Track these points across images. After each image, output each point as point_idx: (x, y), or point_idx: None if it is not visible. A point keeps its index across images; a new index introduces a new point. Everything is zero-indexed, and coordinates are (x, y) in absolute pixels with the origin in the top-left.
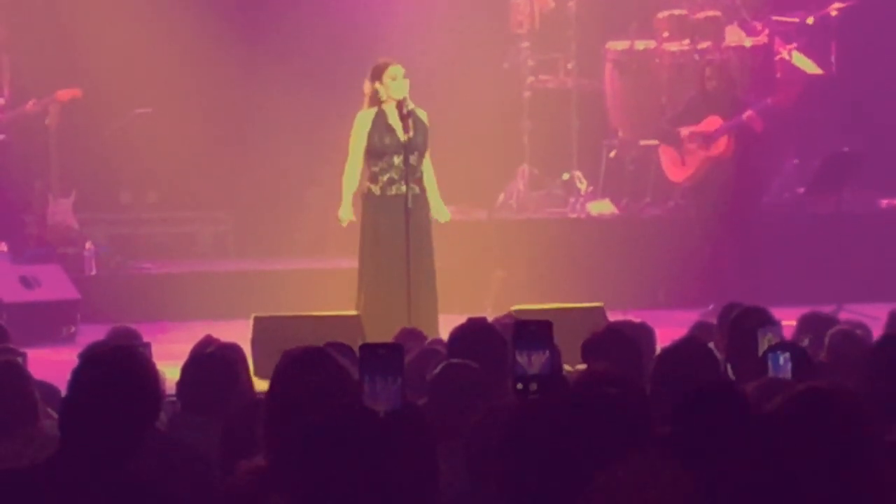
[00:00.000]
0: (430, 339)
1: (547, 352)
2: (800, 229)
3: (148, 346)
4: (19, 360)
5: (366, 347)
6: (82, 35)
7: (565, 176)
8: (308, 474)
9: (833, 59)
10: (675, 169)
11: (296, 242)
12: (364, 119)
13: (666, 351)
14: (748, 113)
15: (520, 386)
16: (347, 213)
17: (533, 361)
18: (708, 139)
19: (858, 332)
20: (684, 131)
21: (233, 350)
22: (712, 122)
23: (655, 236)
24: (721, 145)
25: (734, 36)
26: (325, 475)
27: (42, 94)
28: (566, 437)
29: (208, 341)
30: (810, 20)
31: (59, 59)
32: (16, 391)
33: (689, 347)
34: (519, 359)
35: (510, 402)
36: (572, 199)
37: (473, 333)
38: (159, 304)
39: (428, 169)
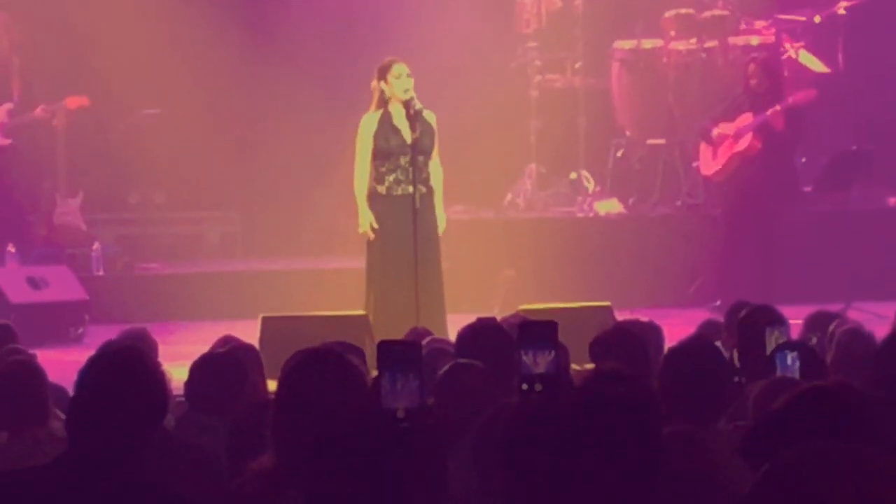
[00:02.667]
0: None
1: (552, 352)
2: (808, 227)
3: (154, 346)
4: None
5: (384, 344)
6: (90, 37)
7: (573, 175)
8: (317, 476)
9: (840, 57)
10: (708, 164)
11: (303, 242)
12: (369, 122)
13: (673, 350)
14: (772, 110)
15: (525, 386)
16: (365, 221)
17: (538, 361)
18: (736, 135)
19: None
20: (717, 128)
21: (244, 350)
22: (745, 119)
23: (663, 235)
24: (746, 141)
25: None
26: (335, 477)
27: (49, 99)
28: (573, 435)
29: (226, 340)
30: (817, 18)
31: (66, 62)
32: (29, 390)
33: (696, 346)
34: (524, 358)
35: (517, 402)
36: (580, 199)
37: (481, 333)
38: (167, 304)
39: (437, 172)
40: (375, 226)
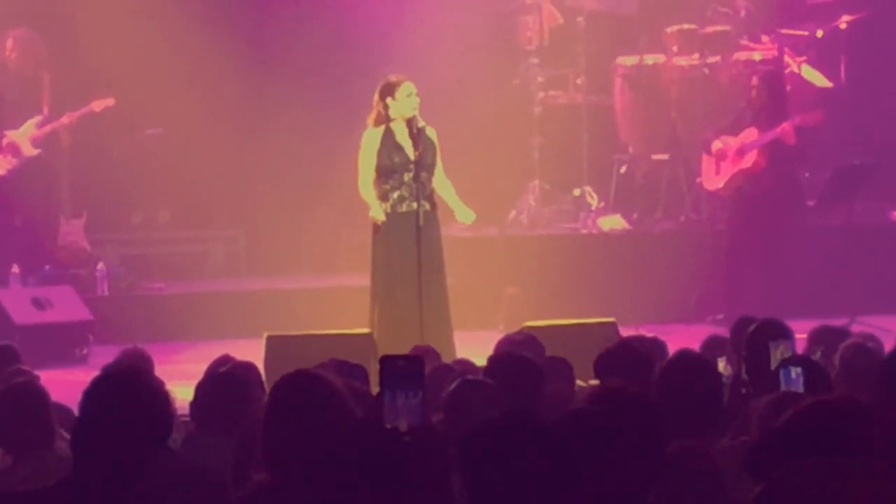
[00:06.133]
0: (446, 358)
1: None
2: (812, 242)
3: (151, 364)
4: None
5: (386, 360)
6: (92, 57)
7: (576, 191)
8: (323, 491)
9: (842, 71)
10: (711, 178)
11: (307, 260)
12: (372, 138)
13: (663, 367)
14: (783, 126)
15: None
16: (377, 211)
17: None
18: (740, 152)
19: (870, 344)
20: (718, 143)
21: (247, 369)
22: (749, 135)
23: (667, 251)
24: (751, 159)
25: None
26: (341, 492)
27: (74, 108)
28: (578, 451)
29: (224, 360)
30: (819, 33)
31: (70, 80)
32: (34, 413)
33: (683, 361)
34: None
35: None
36: (583, 215)
37: (510, 361)
38: (172, 324)
39: (445, 185)
40: (383, 217)
